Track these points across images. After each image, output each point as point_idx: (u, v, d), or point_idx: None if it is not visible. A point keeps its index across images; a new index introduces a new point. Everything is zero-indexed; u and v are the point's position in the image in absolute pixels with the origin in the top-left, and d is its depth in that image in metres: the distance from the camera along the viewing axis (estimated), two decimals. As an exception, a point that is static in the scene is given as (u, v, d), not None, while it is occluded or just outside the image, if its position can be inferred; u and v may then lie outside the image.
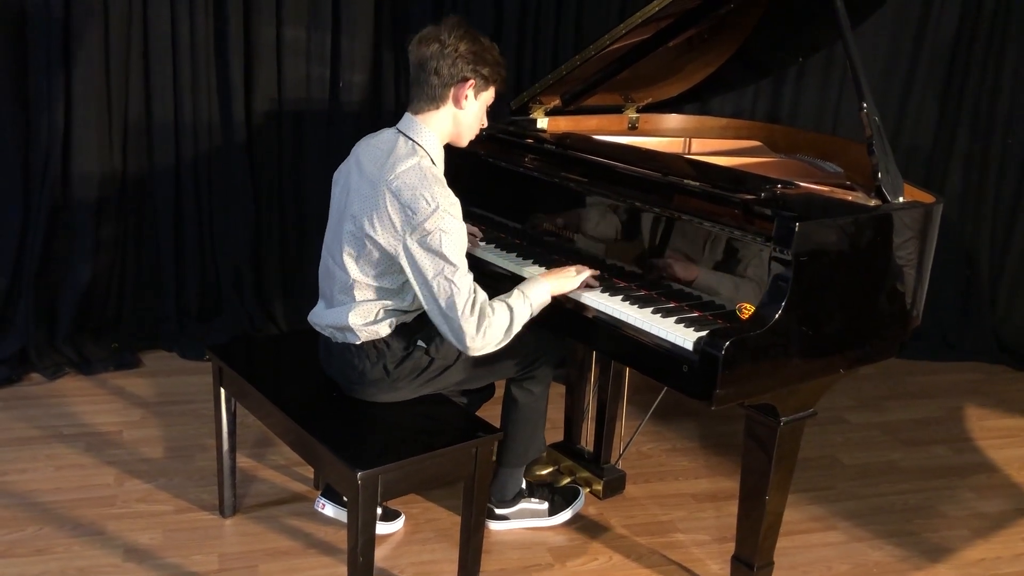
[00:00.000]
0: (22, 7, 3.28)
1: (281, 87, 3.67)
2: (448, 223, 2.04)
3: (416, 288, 2.10)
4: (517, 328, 2.15)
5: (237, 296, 3.79)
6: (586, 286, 2.27)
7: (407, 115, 2.18)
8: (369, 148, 2.21)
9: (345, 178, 2.23)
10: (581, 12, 3.84)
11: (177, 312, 3.74)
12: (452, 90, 2.13)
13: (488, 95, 2.20)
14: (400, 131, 2.17)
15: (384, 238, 2.08)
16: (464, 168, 2.79)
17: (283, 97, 3.68)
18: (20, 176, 3.42)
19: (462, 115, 2.17)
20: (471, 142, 2.29)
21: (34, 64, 3.33)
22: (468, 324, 2.06)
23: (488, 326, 2.08)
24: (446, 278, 2.05)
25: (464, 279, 2.07)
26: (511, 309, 2.13)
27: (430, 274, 2.06)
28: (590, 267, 2.33)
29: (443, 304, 2.06)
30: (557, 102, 2.98)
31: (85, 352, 3.52)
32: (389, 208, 2.06)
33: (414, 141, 2.14)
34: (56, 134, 3.37)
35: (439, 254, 2.04)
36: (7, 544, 2.45)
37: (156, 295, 3.73)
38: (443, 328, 2.11)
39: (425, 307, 2.11)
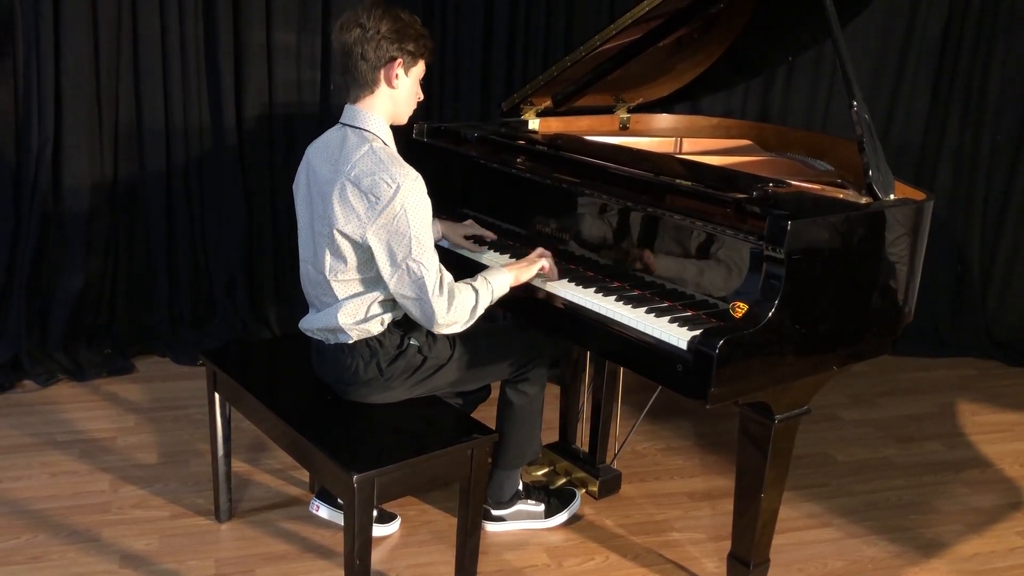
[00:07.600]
0: (10, 14, 3.27)
1: (272, 90, 3.67)
2: (412, 200, 2.05)
3: (384, 271, 2.10)
4: (481, 311, 2.18)
5: (230, 301, 3.79)
6: (545, 270, 2.31)
7: (347, 107, 2.20)
8: (319, 150, 2.22)
9: (305, 186, 2.24)
10: (571, 13, 3.84)
11: (170, 317, 3.74)
12: (382, 72, 2.14)
13: (418, 69, 2.21)
14: (345, 124, 2.19)
15: (353, 229, 2.09)
16: (456, 170, 2.80)
17: (274, 100, 3.68)
18: (11, 183, 3.41)
19: (397, 94, 2.18)
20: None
21: (23, 71, 3.32)
22: (439, 303, 2.09)
23: (456, 305, 2.11)
24: (415, 259, 2.06)
25: (432, 259, 2.09)
26: (476, 291, 2.16)
27: (400, 256, 2.07)
28: (582, 266, 2.33)
29: (413, 285, 2.08)
30: (548, 103, 2.98)
31: (78, 358, 3.51)
32: (352, 198, 2.07)
33: (361, 129, 2.16)
34: (46, 141, 3.36)
35: (407, 236, 2.06)
36: (2, 552, 2.44)
37: (149, 301, 3.73)
38: (411, 308, 2.12)
39: (392, 289, 2.12)
